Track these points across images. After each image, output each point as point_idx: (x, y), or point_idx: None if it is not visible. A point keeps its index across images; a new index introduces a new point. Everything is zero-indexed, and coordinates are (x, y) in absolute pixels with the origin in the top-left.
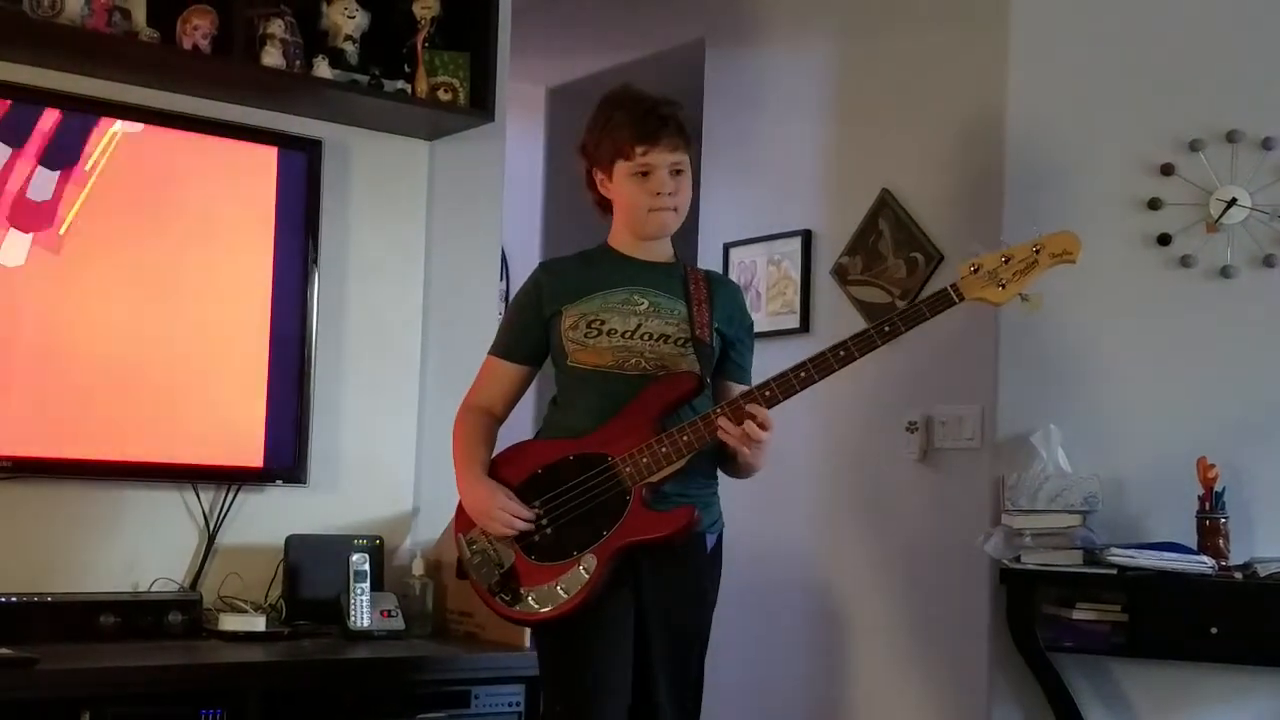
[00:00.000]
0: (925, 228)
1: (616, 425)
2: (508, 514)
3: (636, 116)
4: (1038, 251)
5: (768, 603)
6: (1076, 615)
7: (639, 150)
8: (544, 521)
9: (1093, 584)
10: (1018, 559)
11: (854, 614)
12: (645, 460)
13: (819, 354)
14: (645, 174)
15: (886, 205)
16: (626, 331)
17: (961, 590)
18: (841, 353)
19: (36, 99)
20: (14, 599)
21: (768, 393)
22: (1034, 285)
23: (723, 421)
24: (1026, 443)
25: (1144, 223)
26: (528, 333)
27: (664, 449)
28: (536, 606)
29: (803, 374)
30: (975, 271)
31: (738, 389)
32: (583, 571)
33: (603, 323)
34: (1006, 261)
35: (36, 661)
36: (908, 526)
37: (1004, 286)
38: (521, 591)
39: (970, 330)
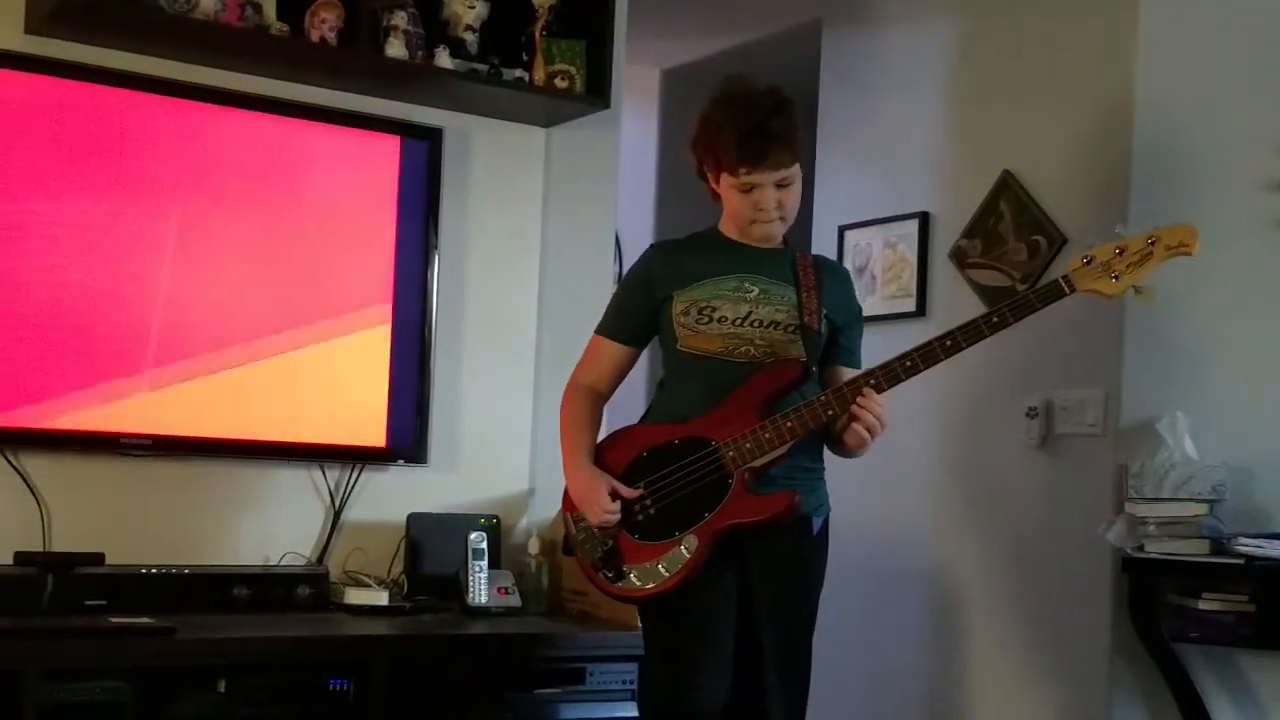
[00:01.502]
0: (1048, 210)
1: (723, 410)
2: (600, 509)
3: (741, 133)
4: (1153, 243)
5: (883, 588)
6: (1202, 606)
7: (742, 170)
8: (648, 502)
9: (1219, 574)
10: (1141, 548)
11: (971, 601)
12: (749, 445)
13: (925, 344)
14: (749, 190)
15: (1008, 187)
16: (737, 319)
17: (1082, 579)
18: (948, 342)
19: (171, 91)
20: (154, 570)
21: (872, 381)
22: (1150, 277)
23: (835, 412)
24: (1151, 429)
25: (1274, 205)
26: (636, 314)
27: (767, 434)
28: (639, 583)
29: (908, 363)
30: (1088, 263)
31: (847, 374)
32: (684, 551)
33: (714, 309)
34: (1120, 253)
35: (175, 630)
36: (1026, 513)
37: (1117, 278)
38: (624, 569)
39: (1094, 312)
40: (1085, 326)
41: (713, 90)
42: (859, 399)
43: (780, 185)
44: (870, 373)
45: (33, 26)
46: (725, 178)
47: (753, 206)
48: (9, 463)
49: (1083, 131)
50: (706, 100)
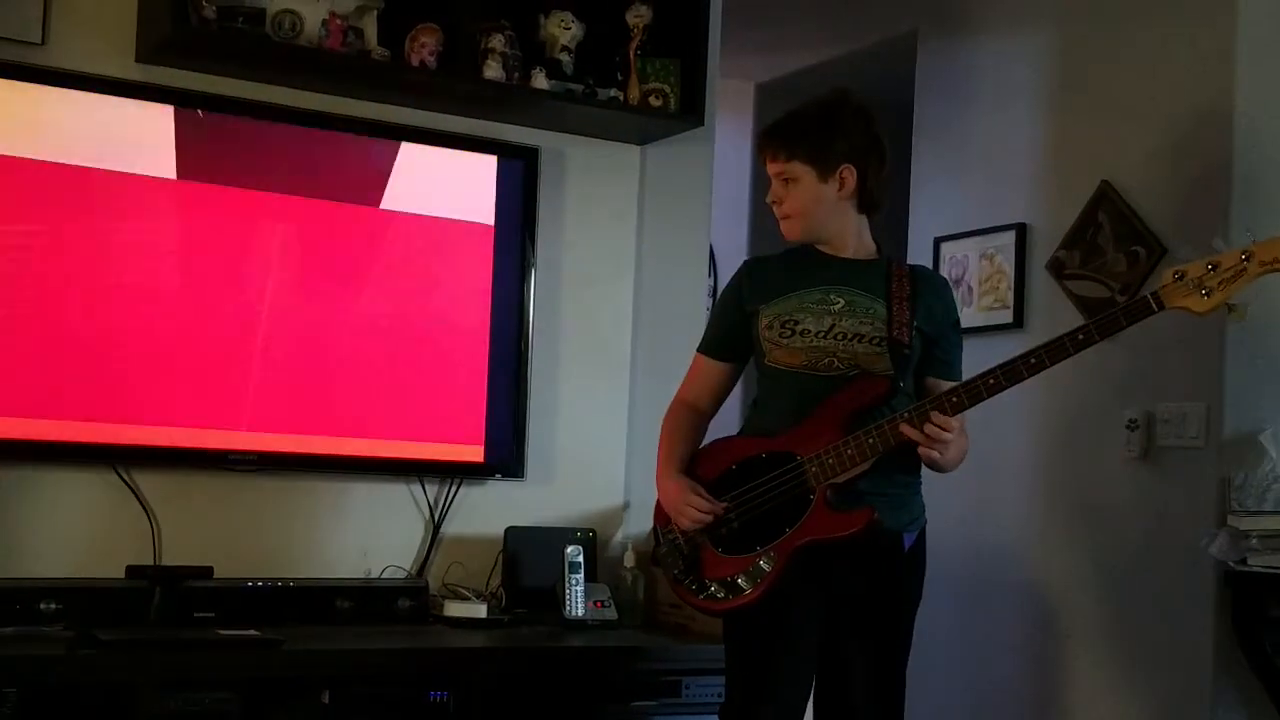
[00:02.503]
0: (1147, 220)
1: (808, 426)
2: (694, 510)
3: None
4: (1247, 259)
5: (981, 601)
6: None
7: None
8: (732, 515)
9: None
10: (1244, 561)
11: (1071, 615)
12: (831, 461)
13: (1009, 362)
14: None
15: (1107, 198)
16: (820, 332)
17: (1184, 594)
18: (1033, 360)
19: (275, 115)
20: (260, 584)
21: (954, 399)
22: (1244, 294)
23: (905, 427)
24: (1255, 441)
25: None
26: (731, 331)
27: (849, 451)
28: (720, 596)
29: (991, 381)
30: (1179, 279)
31: (943, 386)
32: (764, 565)
33: (796, 323)
34: (1213, 269)
35: (282, 643)
36: (1127, 527)
37: (1208, 294)
38: (706, 580)
39: (1194, 324)
40: (1186, 338)
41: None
42: (927, 424)
43: (784, 180)
44: (954, 390)
45: (143, 55)
46: None
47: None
48: (121, 478)
49: (1181, 141)
50: None
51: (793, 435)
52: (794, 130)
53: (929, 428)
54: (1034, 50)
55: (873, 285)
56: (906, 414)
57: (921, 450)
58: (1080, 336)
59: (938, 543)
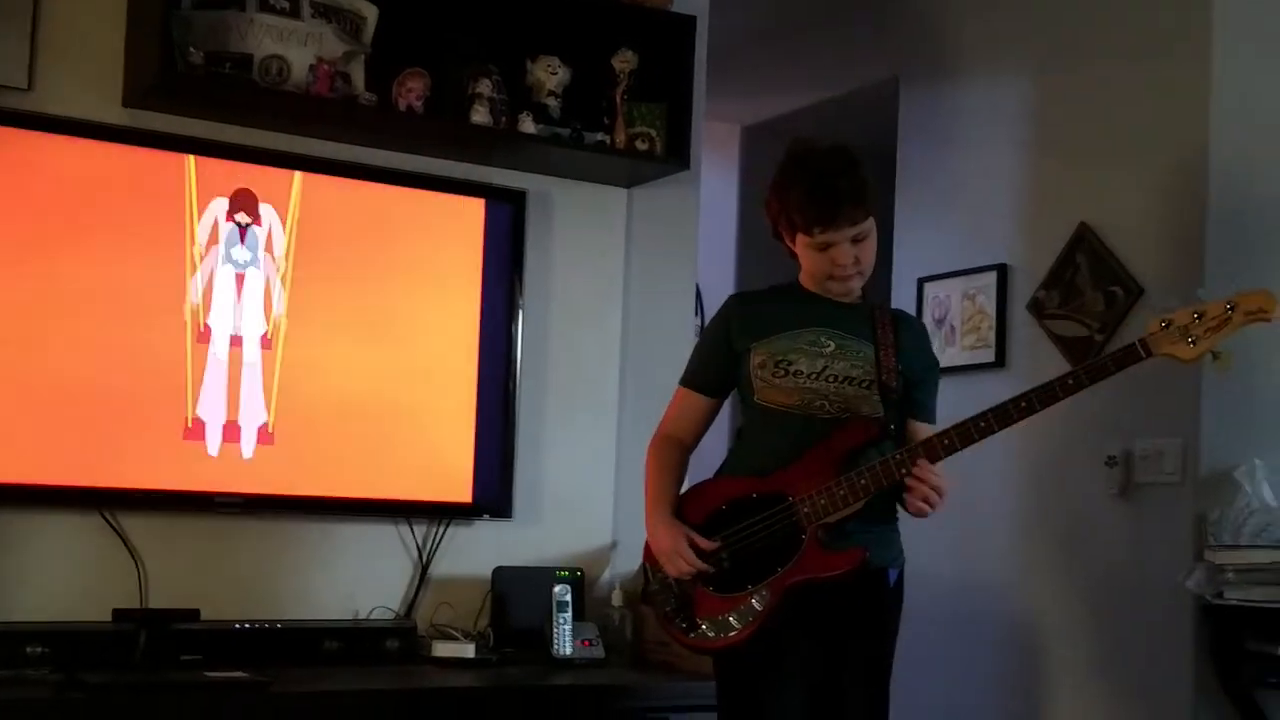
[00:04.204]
0: (1124, 261)
1: (799, 467)
2: (684, 562)
3: (814, 195)
4: (1231, 309)
5: (962, 636)
6: None
7: (817, 230)
8: (723, 555)
9: None
10: (1220, 595)
11: (1051, 649)
12: (823, 502)
13: (1000, 405)
14: (824, 248)
15: (1084, 239)
16: (813, 373)
17: (1162, 627)
18: (1023, 404)
19: (264, 159)
20: (247, 625)
21: (946, 441)
22: (1228, 342)
23: (908, 470)
24: (1230, 477)
25: None
26: (717, 365)
27: (841, 492)
28: (710, 634)
29: (982, 424)
30: (1166, 327)
31: (921, 427)
32: (755, 604)
33: (790, 363)
34: (1199, 318)
35: (269, 684)
36: (1106, 562)
37: (1194, 343)
38: (697, 619)
39: (1171, 363)
40: (1163, 377)
41: (782, 155)
42: (914, 471)
43: (855, 240)
44: (945, 433)
45: (130, 100)
46: (801, 238)
47: (830, 263)
48: (107, 522)
49: (1159, 184)
50: (777, 165)
51: (784, 476)
52: (861, 189)
53: (915, 482)
54: (1014, 95)
55: (859, 329)
56: (897, 455)
57: (909, 499)
58: (1070, 382)
59: (920, 579)
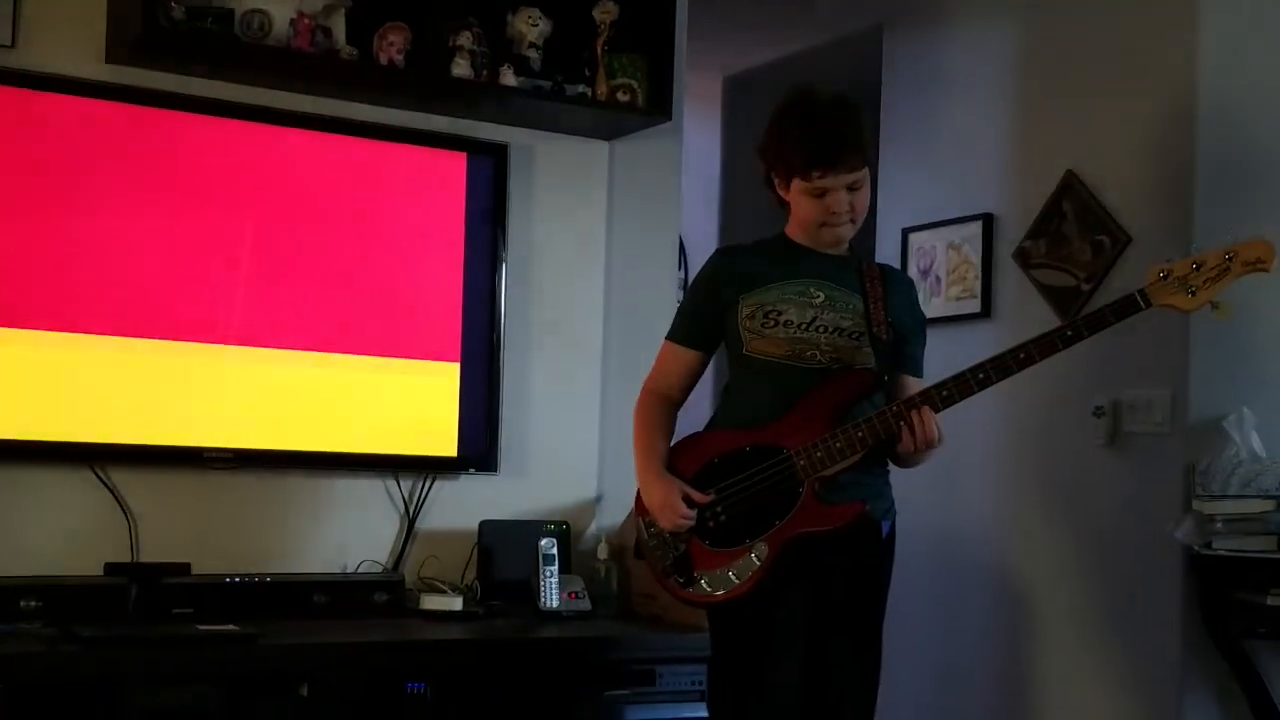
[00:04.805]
0: (1111, 210)
1: (793, 418)
2: (677, 516)
3: (813, 137)
4: (1230, 258)
5: (952, 589)
6: (1270, 602)
7: (815, 174)
8: (719, 509)
9: None
10: (1209, 545)
11: (1040, 601)
12: (820, 454)
13: (998, 356)
14: (821, 194)
15: (1071, 188)
16: (803, 323)
17: (1151, 577)
18: (1021, 355)
19: (245, 115)
20: (237, 579)
21: (944, 393)
22: (1226, 292)
23: (902, 420)
24: (1218, 427)
25: None
26: (704, 319)
27: (839, 444)
28: (709, 589)
29: (980, 375)
30: (1165, 277)
31: (910, 381)
32: (754, 559)
33: (779, 313)
34: (1197, 268)
35: (259, 637)
36: (1095, 512)
37: (1193, 293)
38: (695, 574)
39: (1164, 312)
40: (1152, 326)
41: (780, 99)
42: (918, 418)
43: (851, 188)
44: (943, 384)
45: (112, 56)
46: (796, 182)
47: (824, 210)
48: (98, 477)
49: (1146, 130)
50: (774, 108)
51: (777, 428)
52: (859, 137)
53: (919, 429)
54: (999, 41)
55: (847, 280)
56: (895, 407)
57: (902, 448)
58: (1069, 333)
59: (910, 531)
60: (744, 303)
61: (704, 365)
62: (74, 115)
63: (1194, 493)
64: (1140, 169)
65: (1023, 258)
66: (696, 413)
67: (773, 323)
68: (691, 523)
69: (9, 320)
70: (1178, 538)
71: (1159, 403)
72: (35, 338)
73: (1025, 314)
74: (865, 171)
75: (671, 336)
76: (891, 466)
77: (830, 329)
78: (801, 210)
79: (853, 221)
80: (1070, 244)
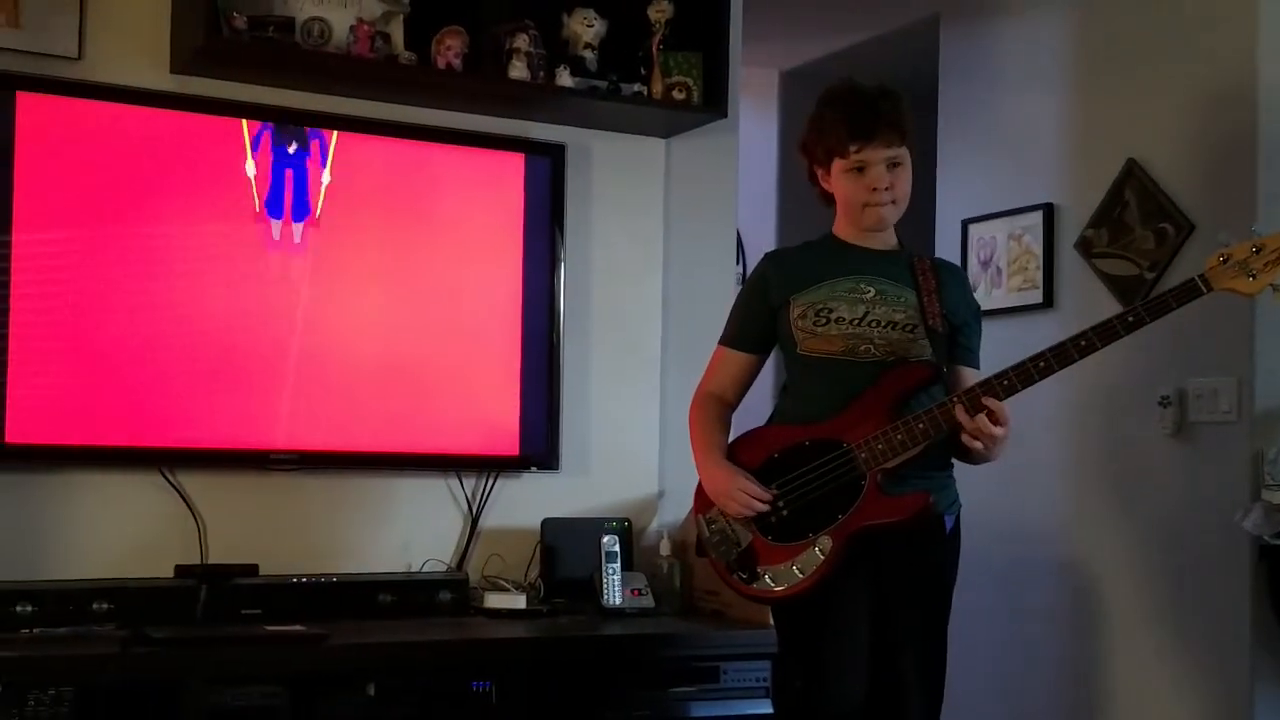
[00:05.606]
0: (1174, 197)
1: (853, 411)
2: (746, 495)
3: (851, 113)
4: None
5: (1016, 582)
6: None
7: (853, 148)
8: (780, 504)
9: None
10: (1278, 535)
11: (1106, 593)
12: (881, 446)
13: (1059, 344)
14: (861, 170)
15: (1133, 175)
16: (855, 319)
17: (1219, 568)
18: (1083, 343)
19: (308, 121)
20: (304, 580)
21: (1005, 382)
22: None
23: (959, 412)
24: None
25: None
26: (755, 322)
27: (899, 436)
28: (773, 585)
29: (1041, 364)
30: (1225, 262)
31: (967, 372)
32: (818, 552)
33: (831, 310)
34: (1257, 251)
35: (327, 637)
36: (1161, 503)
37: (1254, 277)
38: (759, 570)
39: (1224, 299)
40: (1216, 314)
41: (820, 94)
42: (979, 417)
43: (891, 164)
44: (1004, 373)
45: (177, 66)
46: (837, 164)
47: (865, 189)
48: (168, 480)
49: (1206, 117)
50: (815, 104)
51: (837, 422)
52: (899, 117)
53: (980, 419)
54: (1057, 30)
55: (898, 275)
56: (957, 398)
57: (966, 439)
58: (1130, 319)
59: (976, 524)
60: (794, 304)
61: (757, 368)
62: (139, 125)
63: (1262, 482)
64: (1202, 156)
65: (1085, 247)
66: (756, 416)
67: (825, 320)
68: (765, 505)
69: (80, 327)
70: (1246, 527)
71: (1225, 391)
72: (106, 343)
73: (1088, 304)
74: (905, 152)
75: (723, 340)
76: (955, 462)
77: (883, 323)
78: (843, 193)
79: (894, 202)
80: (1133, 232)
